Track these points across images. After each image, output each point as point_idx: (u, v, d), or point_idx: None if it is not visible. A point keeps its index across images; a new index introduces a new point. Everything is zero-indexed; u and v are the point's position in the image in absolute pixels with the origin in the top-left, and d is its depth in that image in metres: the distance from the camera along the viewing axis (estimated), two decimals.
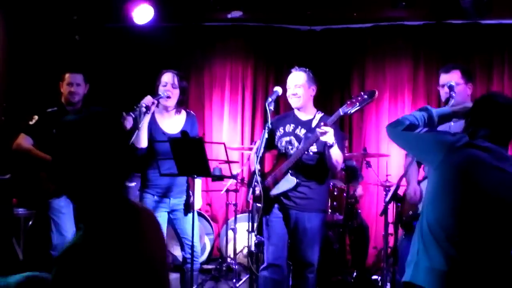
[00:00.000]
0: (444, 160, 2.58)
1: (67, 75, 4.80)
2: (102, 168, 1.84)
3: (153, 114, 4.36)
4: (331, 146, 3.99)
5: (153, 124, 4.37)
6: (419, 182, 4.14)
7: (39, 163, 4.64)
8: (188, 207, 4.41)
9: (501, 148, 2.58)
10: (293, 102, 4.36)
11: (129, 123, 4.20)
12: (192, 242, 4.29)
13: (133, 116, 4.15)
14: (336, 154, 4.06)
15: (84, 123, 1.88)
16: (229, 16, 7.05)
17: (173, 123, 4.44)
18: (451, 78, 4.04)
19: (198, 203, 4.54)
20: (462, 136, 2.62)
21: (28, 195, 4.85)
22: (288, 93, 4.36)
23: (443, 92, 4.05)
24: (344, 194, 6.01)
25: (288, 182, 4.20)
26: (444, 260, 2.49)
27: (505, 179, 2.50)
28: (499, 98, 2.72)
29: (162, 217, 4.37)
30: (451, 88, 3.91)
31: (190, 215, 4.34)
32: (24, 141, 4.67)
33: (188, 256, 4.41)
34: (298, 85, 4.31)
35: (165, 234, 4.27)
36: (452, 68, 4.10)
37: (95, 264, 1.69)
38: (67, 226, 4.61)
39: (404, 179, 3.99)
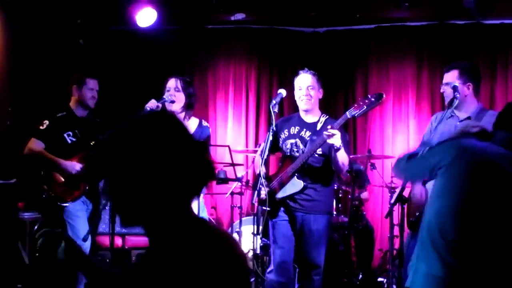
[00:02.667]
0: (453, 162, 2.53)
1: (89, 80, 4.82)
2: (174, 179, 1.53)
3: None
4: (338, 149, 3.98)
5: None
6: (424, 183, 4.13)
7: (51, 167, 4.68)
8: None
9: None
10: (304, 103, 4.34)
11: None
12: None
13: None
14: (342, 157, 4.06)
15: (145, 127, 1.56)
16: (232, 18, 7.05)
17: None
18: (448, 78, 4.05)
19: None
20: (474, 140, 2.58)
21: (38, 199, 4.86)
22: (299, 94, 4.34)
23: (447, 91, 4.06)
24: (349, 196, 6.01)
25: (295, 185, 4.20)
26: (441, 266, 2.45)
27: None
28: None
29: None
30: (455, 88, 3.91)
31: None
32: (36, 145, 4.70)
33: None
34: (310, 87, 4.31)
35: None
36: (451, 68, 4.10)
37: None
38: (82, 229, 4.63)
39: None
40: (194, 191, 1.61)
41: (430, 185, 4.03)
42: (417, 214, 4.10)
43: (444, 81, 4.11)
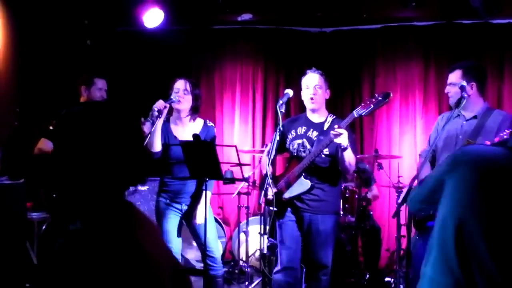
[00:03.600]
0: (453, 168, 2.43)
1: (98, 80, 4.85)
2: (110, 165, 1.63)
3: (167, 122, 4.40)
4: (345, 148, 3.98)
5: (167, 132, 4.40)
6: None
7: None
8: (190, 217, 4.42)
9: None
10: (311, 103, 4.33)
11: (147, 128, 4.26)
12: (205, 247, 4.28)
13: (151, 121, 4.19)
14: (349, 157, 4.06)
15: (92, 113, 1.67)
16: (239, 18, 7.06)
17: (187, 131, 4.44)
18: (452, 78, 4.06)
19: (201, 215, 4.35)
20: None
21: (48, 199, 4.88)
22: (307, 94, 4.34)
23: (451, 91, 4.07)
24: (356, 196, 6.00)
25: (302, 185, 4.20)
26: (447, 273, 2.37)
27: None
28: None
29: (173, 220, 4.42)
30: (462, 88, 3.91)
31: (205, 223, 4.31)
32: (46, 145, 4.75)
33: (208, 262, 4.40)
34: (318, 86, 4.31)
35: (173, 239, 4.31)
36: (455, 68, 4.10)
37: (92, 261, 1.52)
38: None
39: (416, 180, 3.98)
40: (126, 183, 1.71)
41: None
42: (423, 213, 4.10)
43: (448, 81, 4.11)
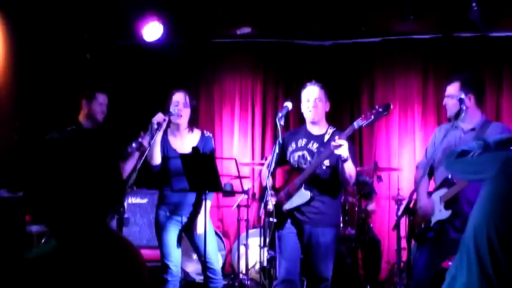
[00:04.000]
0: (496, 175, 2.44)
1: (100, 95, 4.85)
2: (86, 192, 1.68)
3: (165, 135, 4.40)
4: (345, 160, 3.98)
5: (166, 144, 4.41)
6: (430, 194, 4.13)
7: None
8: (190, 228, 4.41)
9: None
10: (312, 115, 4.33)
11: (146, 141, 4.27)
12: (205, 260, 4.27)
13: (150, 134, 4.21)
14: (350, 168, 4.06)
15: (70, 142, 1.72)
16: (238, 32, 7.08)
17: (186, 142, 4.45)
18: (450, 90, 4.07)
19: (202, 225, 4.36)
20: None
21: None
22: (307, 106, 4.33)
23: (449, 103, 4.08)
24: (356, 209, 6.00)
25: (302, 196, 4.19)
26: (483, 281, 2.34)
27: None
28: None
29: (173, 233, 4.42)
30: (461, 101, 3.92)
31: (205, 234, 4.30)
32: None
33: (209, 274, 4.39)
34: (318, 99, 4.31)
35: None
36: (453, 80, 4.11)
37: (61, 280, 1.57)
38: None
39: (416, 192, 3.99)
40: (104, 207, 1.75)
41: (436, 196, 4.04)
42: (422, 225, 4.10)
43: (446, 93, 4.12)
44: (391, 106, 3.93)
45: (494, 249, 2.32)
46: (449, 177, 3.96)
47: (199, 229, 4.34)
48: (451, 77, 4.22)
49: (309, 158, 4.26)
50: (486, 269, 2.33)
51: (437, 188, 4.08)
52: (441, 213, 3.97)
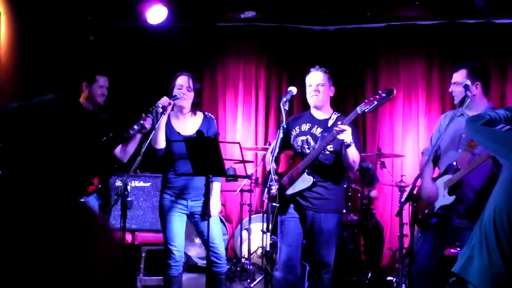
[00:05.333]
0: None
1: (100, 78, 4.81)
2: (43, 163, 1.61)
3: (168, 117, 4.38)
4: (348, 145, 3.96)
5: (169, 127, 4.39)
6: (434, 180, 4.12)
7: None
8: (204, 213, 4.34)
9: None
10: (314, 100, 4.32)
11: (148, 124, 4.26)
12: (208, 243, 4.27)
13: (152, 117, 4.19)
14: (353, 154, 4.04)
15: (28, 111, 1.67)
16: (242, 16, 7.05)
17: (189, 125, 4.44)
18: (457, 77, 4.05)
19: (216, 207, 4.41)
20: None
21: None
22: (309, 91, 4.33)
23: (455, 90, 4.06)
24: (359, 195, 6.00)
25: (305, 181, 4.19)
26: (502, 263, 2.34)
27: None
28: None
29: (178, 217, 4.40)
30: (466, 87, 3.90)
31: (211, 219, 4.27)
32: None
33: (213, 259, 4.40)
34: (321, 84, 4.30)
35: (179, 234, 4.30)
36: (460, 67, 4.09)
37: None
38: None
39: (419, 179, 3.98)
40: (81, 181, 1.71)
41: (440, 182, 4.03)
42: (426, 211, 4.10)
43: (453, 80, 4.10)
44: (394, 91, 3.89)
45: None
46: (454, 163, 3.95)
47: (214, 211, 4.34)
48: (458, 64, 4.20)
49: (312, 143, 4.25)
50: (507, 255, 2.32)
51: (441, 175, 4.07)
52: (445, 199, 3.97)
